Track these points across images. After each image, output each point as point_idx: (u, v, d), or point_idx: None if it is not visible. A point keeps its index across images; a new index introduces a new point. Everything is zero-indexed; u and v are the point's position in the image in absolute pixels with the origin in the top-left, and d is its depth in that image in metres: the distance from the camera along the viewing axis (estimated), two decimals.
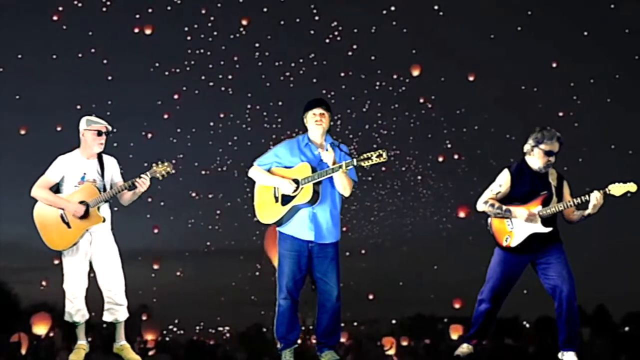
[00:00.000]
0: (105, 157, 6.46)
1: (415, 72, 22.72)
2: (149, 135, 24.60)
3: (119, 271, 6.41)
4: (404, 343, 24.68)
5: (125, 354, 6.50)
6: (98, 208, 6.29)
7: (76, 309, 6.38)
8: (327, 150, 6.05)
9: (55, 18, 21.17)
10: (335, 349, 6.27)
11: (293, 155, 6.19)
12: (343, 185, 6.08)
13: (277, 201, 6.16)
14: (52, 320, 16.29)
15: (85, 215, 6.24)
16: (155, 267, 25.34)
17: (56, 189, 6.38)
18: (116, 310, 6.43)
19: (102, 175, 6.38)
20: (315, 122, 6.18)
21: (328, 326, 6.20)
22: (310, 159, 6.14)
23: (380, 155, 5.81)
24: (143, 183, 6.23)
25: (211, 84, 25.18)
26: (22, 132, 22.15)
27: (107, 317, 6.45)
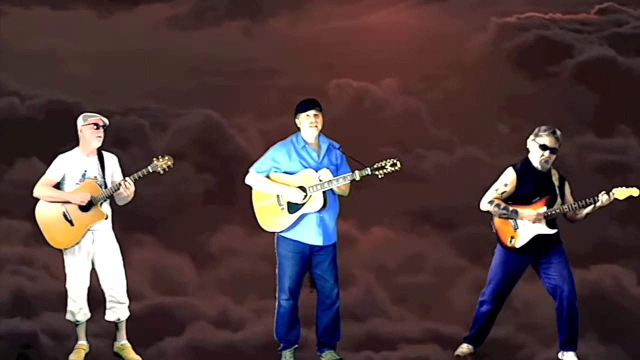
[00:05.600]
0: (106, 154, 6.48)
1: None
2: None
3: (120, 270, 6.42)
4: None
5: (125, 353, 6.49)
6: (100, 205, 6.32)
7: (78, 308, 6.40)
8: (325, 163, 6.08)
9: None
10: (335, 348, 6.27)
11: (292, 160, 6.10)
12: (342, 190, 6.09)
13: (282, 209, 6.09)
14: None
15: (88, 209, 6.28)
16: None
17: (57, 188, 6.39)
18: (118, 309, 6.43)
19: (103, 173, 6.40)
20: (310, 123, 6.08)
21: (328, 325, 6.22)
22: (309, 162, 6.08)
23: (394, 165, 5.81)
24: (126, 187, 6.24)
25: None
26: None
27: (109, 316, 6.47)
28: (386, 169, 5.80)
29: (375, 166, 5.83)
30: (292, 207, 6.04)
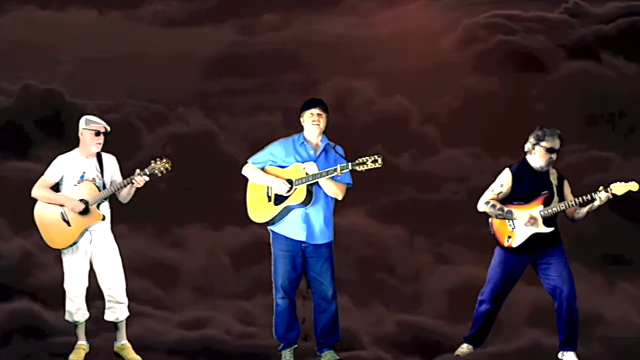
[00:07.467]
0: (105, 156, 6.47)
1: None
2: None
3: (119, 270, 6.42)
4: None
5: (125, 353, 6.49)
6: (98, 206, 6.30)
7: (76, 308, 6.39)
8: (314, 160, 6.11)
9: None
10: (335, 349, 6.32)
11: (288, 154, 6.18)
12: (333, 191, 6.11)
13: (269, 200, 6.17)
14: None
15: (85, 212, 6.26)
16: None
17: (56, 188, 6.39)
18: (117, 309, 6.43)
19: (102, 174, 6.39)
20: (312, 121, 6.16)
21: (326, 326, 6.26)
22: (305, 159, 6.14)
23: (375, 161, 5.84)
24: (140, 181, 6.23)
25: None
26: None
27: (108, 316, 6.46)
28: (367, 164, 5.85)
29: (356, 161, 5.89)
30: (278, 199, 6.12)
